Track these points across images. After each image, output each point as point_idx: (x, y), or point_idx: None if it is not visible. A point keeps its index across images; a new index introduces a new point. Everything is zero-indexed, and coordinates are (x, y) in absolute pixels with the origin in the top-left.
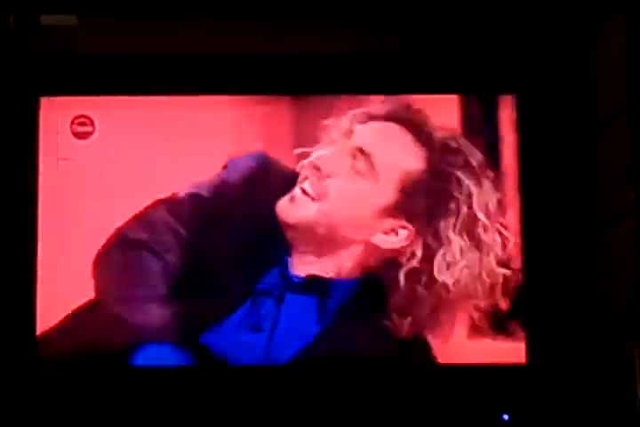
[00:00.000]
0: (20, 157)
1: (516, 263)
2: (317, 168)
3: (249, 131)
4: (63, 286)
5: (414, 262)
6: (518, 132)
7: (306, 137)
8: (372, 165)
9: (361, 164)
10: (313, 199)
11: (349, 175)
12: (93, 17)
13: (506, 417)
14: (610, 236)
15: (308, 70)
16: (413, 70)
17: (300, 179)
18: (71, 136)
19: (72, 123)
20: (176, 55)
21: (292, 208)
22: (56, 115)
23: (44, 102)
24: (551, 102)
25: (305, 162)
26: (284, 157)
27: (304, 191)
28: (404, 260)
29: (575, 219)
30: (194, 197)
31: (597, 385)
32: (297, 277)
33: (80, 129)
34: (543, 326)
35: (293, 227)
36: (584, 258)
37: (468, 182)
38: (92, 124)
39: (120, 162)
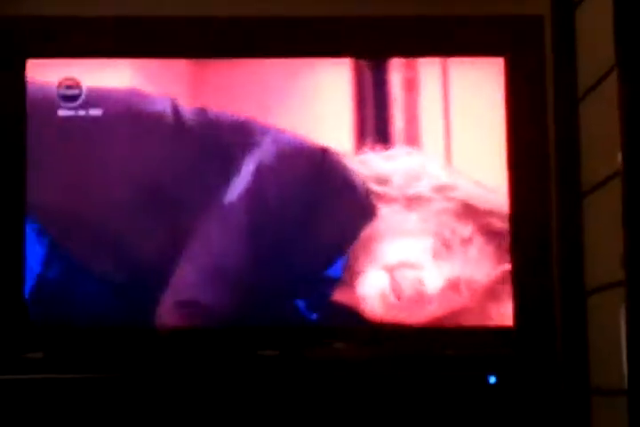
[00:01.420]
0: (8, 119)
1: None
2: None
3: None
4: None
5: None
6: (507, 94)
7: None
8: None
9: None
10: None
11: None
12: None
13: (492, 379)
14: (594, 200)
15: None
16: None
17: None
18: (58, 99)
19: (59, 85)
20: (163, 17)
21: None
22: (43, 77)
23: (31, 65)
24: (538, 65)
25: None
26: None
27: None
28: None
29: (560, 183)
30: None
31: (582, 348)
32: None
33: (68, 92)
34: (530, 290)
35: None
36: (570, 222)
37: None
38: (78, 86)
39: (107, 124)
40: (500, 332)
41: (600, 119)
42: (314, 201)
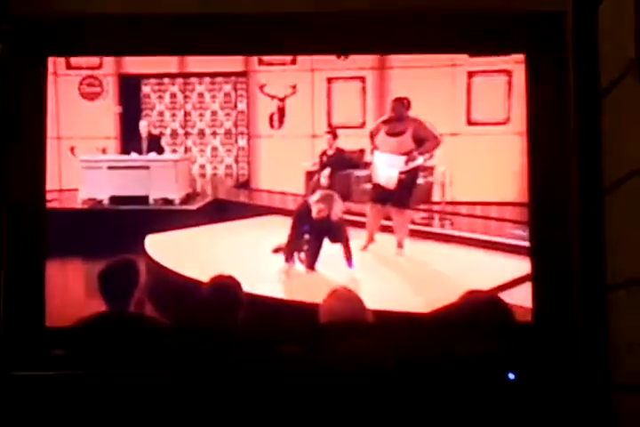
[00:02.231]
0: (29, 117)
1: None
2: None
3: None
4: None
5: None
6: (528, 89)
7: None
8: None
9: None
10: None
11: None
12: None
13: (511, 376)
14: (617, 196)
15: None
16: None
17: None
18: (79, 97)
19: (80, 84)
20: (184, 15)
21: None
22: (64, 75)
23: (52, 63)
24: (560, 61)
25: None
26: None
27: None
28: None
29: (581, 180)
30: None
31: (603, 345)
32: None
33: (88, 90)
34: (550, 286)
35: None
36: (591, 219)
37: None
38: (100, 84)
39: (128, 121)
40: (519, 328)
41: (621, 116)
42: None
